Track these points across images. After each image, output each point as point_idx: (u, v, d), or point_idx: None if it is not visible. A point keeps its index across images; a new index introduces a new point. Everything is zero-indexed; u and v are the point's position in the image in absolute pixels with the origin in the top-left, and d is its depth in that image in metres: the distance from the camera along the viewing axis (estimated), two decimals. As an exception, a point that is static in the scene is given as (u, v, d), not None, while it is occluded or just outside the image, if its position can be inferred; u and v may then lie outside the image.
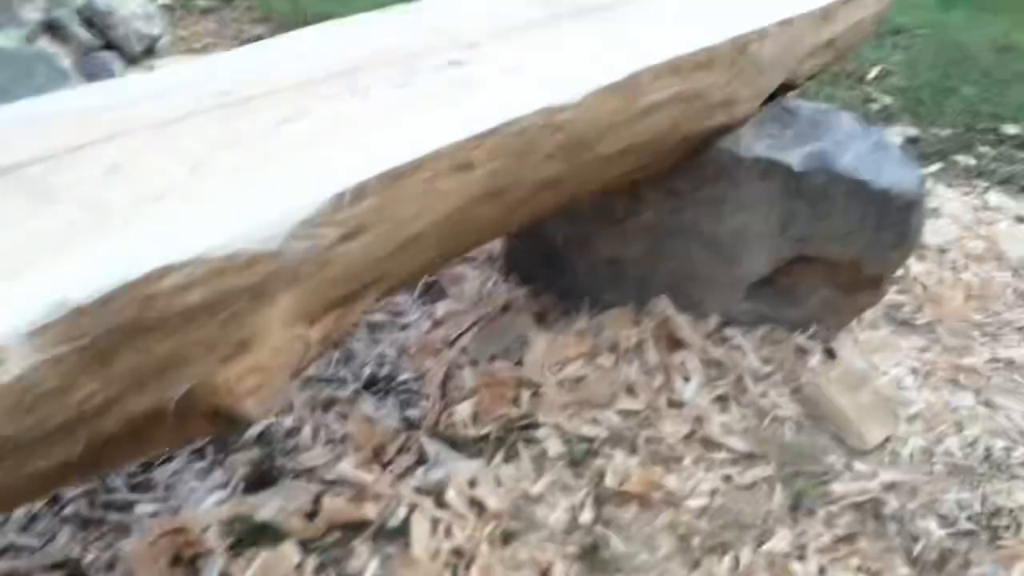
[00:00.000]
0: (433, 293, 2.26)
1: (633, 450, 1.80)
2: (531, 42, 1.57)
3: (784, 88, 2.00)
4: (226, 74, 1.34)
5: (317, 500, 1.65)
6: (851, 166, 1.85)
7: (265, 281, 0.99)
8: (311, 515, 1.63)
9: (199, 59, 3.33)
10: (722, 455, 1.80)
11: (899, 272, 2.41)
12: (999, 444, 1.89)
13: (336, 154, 1.13)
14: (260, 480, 1.71)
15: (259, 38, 3.97)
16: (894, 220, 1.85)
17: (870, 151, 1.90)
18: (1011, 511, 1.72)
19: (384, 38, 1.52)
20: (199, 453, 1.77)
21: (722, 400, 1.92)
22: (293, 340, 1.06)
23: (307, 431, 1.82)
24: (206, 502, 1.66)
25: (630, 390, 1.91)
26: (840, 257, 1.90)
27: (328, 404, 1.90)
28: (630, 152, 1.60)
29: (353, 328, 2.11)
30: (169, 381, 0.96)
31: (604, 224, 2.04)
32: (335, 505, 1.63)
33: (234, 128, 1.17)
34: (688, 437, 1.83)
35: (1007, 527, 1.69)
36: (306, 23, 4.13)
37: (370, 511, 1.64)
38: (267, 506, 1.63)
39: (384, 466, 1.74)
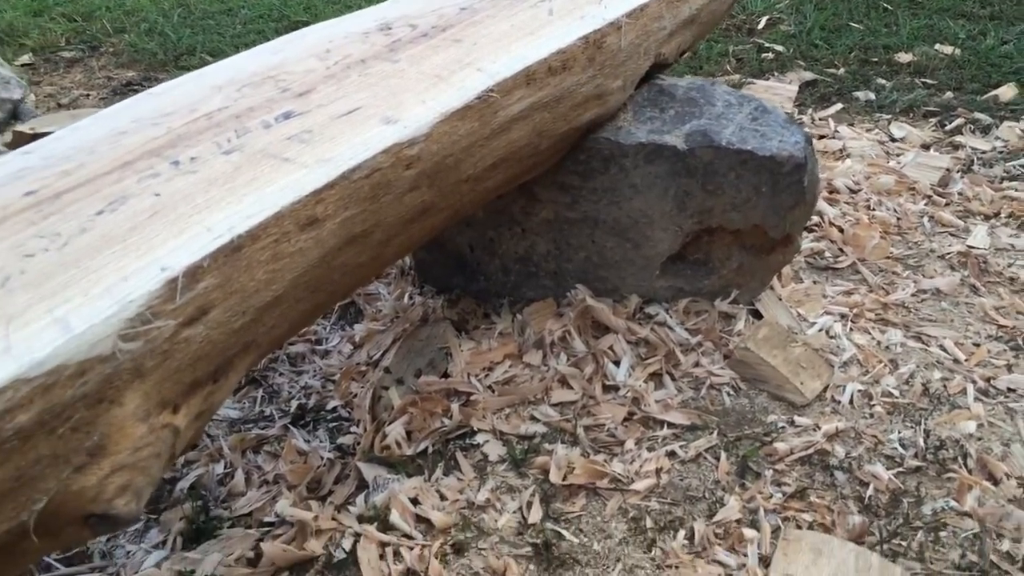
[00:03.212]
0: (350, 315, 2.20)
1: (574, 441, 1.77)
2: (371, 78, 1.46)
3: (657, 68, 1.98)
4: (34, 170, 1.19)
5: (258, 545, 1.59)
6: (734, 138, 1.84)
7: (103, 387, 0.93)
8: (254, 561, 1.57)
9: (68, 116, 3.24)
10: (664, 432, 1.78)
11: (814, 220, 2.41)
12: (935, 376, 1.90)
13: (162, 239, 1.04)
14: (197, 533, 1.65)
15: (129, 84, 3.86)
16: (787, 183, 1.84)
17: (750, 120, 1.90)
18: (956, 441, 1.73)
19: (208, 99, 1.37)
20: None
21: (656, 377, 1.90)
22: (156, 432, 1.00)
23: (239, 476, 1.76)
24: (145, 564, 1.60)
25: (562, 382, 1.88)
26: (743, 225, 1.90)
27: (258, 445, 1.84)
28: (500, 166, 1.56)
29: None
30: (20, 501, 0.90)
31: (505, 226, 2.02)
32: (276, 548, 1.57)
33: (45, 230, 1.06)
34: (627, 419, 1.81)
35: (953, 458, 1.70)
36: (177, 61, 4.07)
37: (314, 547, 1.58)
38: (207, 559, 1.57)
39: (323, 499, 1.69)
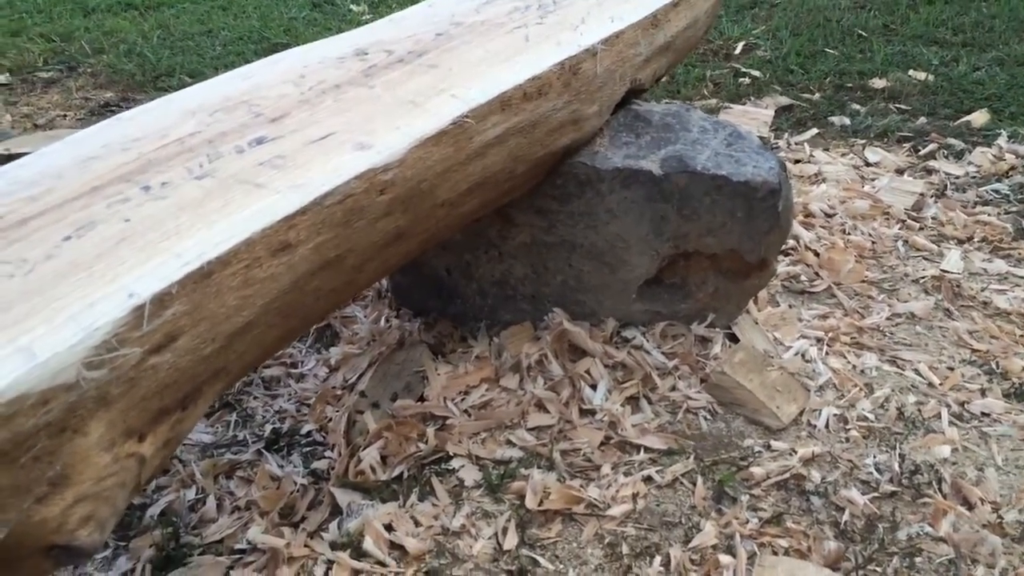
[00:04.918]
0: (326, 338, 2.19)
1: (550, 466, 1.76)
2: (345, 104, 1.46)
3: (633, 93, 2.00)
4: (-1, 195, 1.18)
5: (228, 573, 1.57)
6: (709, 164, 1.85)
7: (66, 416, 0.92)
8: (225, 590, 1.55)
9: (44, 137, 3.22)
10: (640, 456, 1.78)
11: (790, 244, 2.43)
12: (910, 400, 1.91)
13: (130, 265, 1.03)
14: (167, 561, 1.63)
15: (107, 104, 3.83)
16: (761, 208, 1.85)
17: (724, 146, 1.91)
18: (931, 466, 1.73)
19: (180, 124, 1.36)
20: (99, 544, 1.67)
21: (633, 400, 1.89)
22: (121, 462, 0.98)
23: (211, 502, 1.73)
24: (114, 594, 1.58)
25: (539, 406, 1.87)
26: (719, 250, 1.91)
27: (231, 470, 1.81)
28: (475, 191, 1.56)
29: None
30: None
31: (482, 250, 2.01)
32: (247, 576, 1.55)
33: (10, 256, 1.04)
34: (604, 444, 1.80)
35: (928, 483, 1.70)
36: (156, 83, 4.05)
37: (286, 575, 1.56)
38: (177, 588, 1.55)
39: (295, 526, 1.66)
